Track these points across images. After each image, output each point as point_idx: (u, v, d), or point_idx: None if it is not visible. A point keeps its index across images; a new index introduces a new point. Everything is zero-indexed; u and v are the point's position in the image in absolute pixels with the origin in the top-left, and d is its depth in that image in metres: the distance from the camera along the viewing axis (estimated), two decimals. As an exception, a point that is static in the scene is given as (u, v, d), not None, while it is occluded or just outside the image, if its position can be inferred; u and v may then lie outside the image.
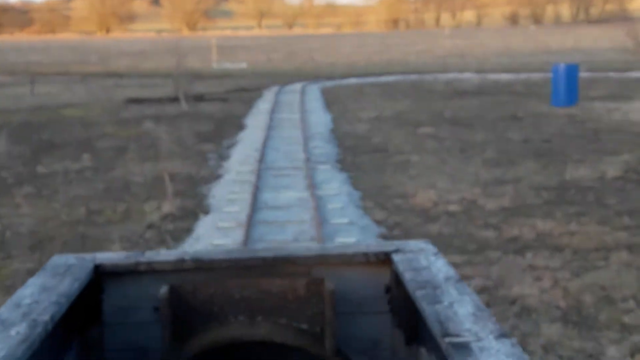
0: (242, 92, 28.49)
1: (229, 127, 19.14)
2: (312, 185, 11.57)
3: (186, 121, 20.10)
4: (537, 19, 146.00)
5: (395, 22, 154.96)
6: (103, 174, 13.15)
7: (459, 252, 8.10)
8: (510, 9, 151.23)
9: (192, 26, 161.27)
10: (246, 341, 2.63)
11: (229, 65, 45.12)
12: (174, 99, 24.35)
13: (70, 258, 2.81)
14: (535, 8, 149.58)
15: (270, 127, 18.59)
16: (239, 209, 10.31)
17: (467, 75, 33.70)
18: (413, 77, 33.48)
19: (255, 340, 2.63)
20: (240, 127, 19.23)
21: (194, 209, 10.55)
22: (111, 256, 2.85)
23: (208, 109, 23.03)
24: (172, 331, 2.63)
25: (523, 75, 32.21)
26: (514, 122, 18.70)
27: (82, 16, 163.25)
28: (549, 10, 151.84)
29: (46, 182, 12.52)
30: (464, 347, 1.90)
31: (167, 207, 10.48)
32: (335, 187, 11.71)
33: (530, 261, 7.77)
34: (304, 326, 2.68)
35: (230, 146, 16.22)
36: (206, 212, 10.43)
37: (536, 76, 31.60)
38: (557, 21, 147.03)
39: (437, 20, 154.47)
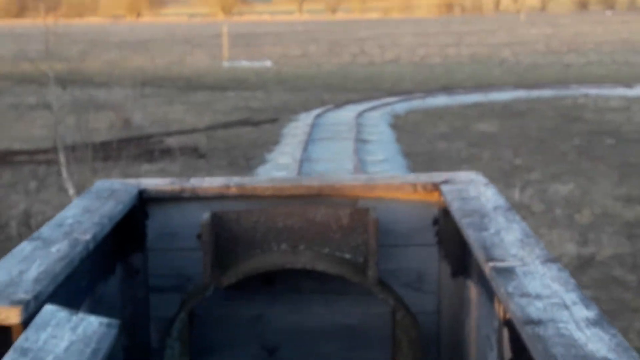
0: (244, 128, 15.11)
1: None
2: None
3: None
4: (609, 4, 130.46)
5: (449, 7, 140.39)
6: None
7: None
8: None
9: (227, 10, 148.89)
10: (288, 269, 2.55)
11: (246, 64, 31.70)
12: (81, 148, 10.85)
13: (115, 183, 2.71)
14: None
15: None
16: None
17: (638, 90, 19.78)
18: (544, 94, 19.64)
19: (297, 269, 2.54)
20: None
21: None
22: (156, 182, 2.73)
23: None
24: (213, 258, 2.55)
25: None
26: None
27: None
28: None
29: None
30: (508, 272, 1.75)
31: None
32: None
33: None
34: (347, 256, 2.60)
35: None
36: None
37: None
38: (631, 6, 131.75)
39: (497, 4, 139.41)
